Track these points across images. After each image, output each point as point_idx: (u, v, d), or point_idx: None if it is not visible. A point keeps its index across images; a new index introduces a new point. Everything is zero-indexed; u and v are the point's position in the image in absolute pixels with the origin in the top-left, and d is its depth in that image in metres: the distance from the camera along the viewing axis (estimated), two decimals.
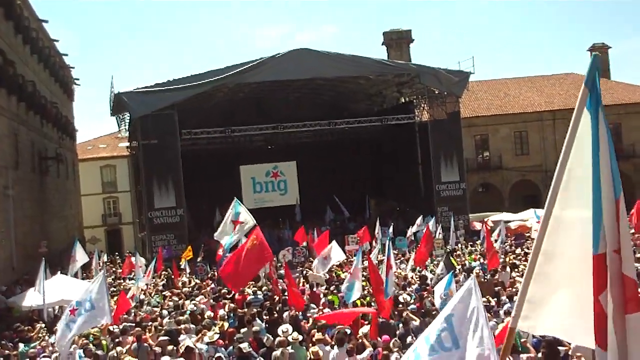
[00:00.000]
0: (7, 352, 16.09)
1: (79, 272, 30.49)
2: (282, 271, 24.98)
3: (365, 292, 19.95)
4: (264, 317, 17.85)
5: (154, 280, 28.70)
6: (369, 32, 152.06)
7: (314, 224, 39.31)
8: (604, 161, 4.94)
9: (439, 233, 33.18)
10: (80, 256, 30.02)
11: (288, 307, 18.66)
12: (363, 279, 21.59)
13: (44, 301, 20.80)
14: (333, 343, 13.94)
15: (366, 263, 21.19)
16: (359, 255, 20.46)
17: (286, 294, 19.92)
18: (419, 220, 36.27)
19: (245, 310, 18.58)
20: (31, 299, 22.37)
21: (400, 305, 17.77)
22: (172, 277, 28.67)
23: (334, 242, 25.59)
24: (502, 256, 27.46)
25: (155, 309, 21.12)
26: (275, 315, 17.85)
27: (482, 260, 26.86)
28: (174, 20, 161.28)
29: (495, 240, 31.99)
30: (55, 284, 23.20)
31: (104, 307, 15.32)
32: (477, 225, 39.89)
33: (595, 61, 5.18)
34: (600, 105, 5.11)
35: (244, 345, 14.17)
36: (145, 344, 15.26)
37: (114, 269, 36.85)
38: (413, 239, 35.38)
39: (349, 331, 14.49)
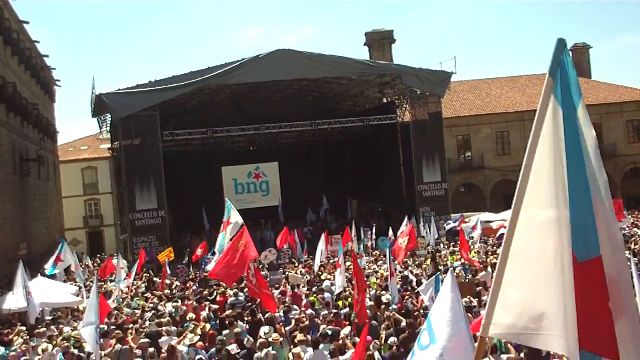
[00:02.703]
0: None
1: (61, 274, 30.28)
2: (264, 272, 25.12)
3: (347, 292, 20.03)
4: (246, 318, 17.83)
5: (135, 282, 28.61)
6: (348, 33, 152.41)
7: (296, 225, 39.30)
8: (594, 159, 4.60)
9: (426, 232, 33.45)
10: (67, 257, 29.90)
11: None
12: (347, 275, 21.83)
13: (28, 303, 20.51)
14: (310, 344, 13.93)
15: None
16: (340, 251, 20.85)
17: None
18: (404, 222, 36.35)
19: (228, 311, 18.56)
20: (11, 301, 22.16)
21: (383, 306, 17.85)
22: (153, 279, 28.58)
23: (321, 241, 26.23)
24: (484, 256, 27.64)
25: (136, 311, 21.06)
26: (258, 316, 17.83)
27: (463, 260, 27.02)
28: (154, 22, 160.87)
29: (471, 240, 32.30)
30: (35, 286, 22.99)
31: (96, 310, 15.41)
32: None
33: (560, 46, 4.71)
34: (574, 95, 4.67)
35: (232, 347, 14.18)
36: (127, 346, 15.21)
37: (95, 271, 36.68)
38: (394, 239, 35.47)
39: (330, 332, 14.50)
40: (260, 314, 17.98)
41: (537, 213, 4.87)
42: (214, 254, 29.28)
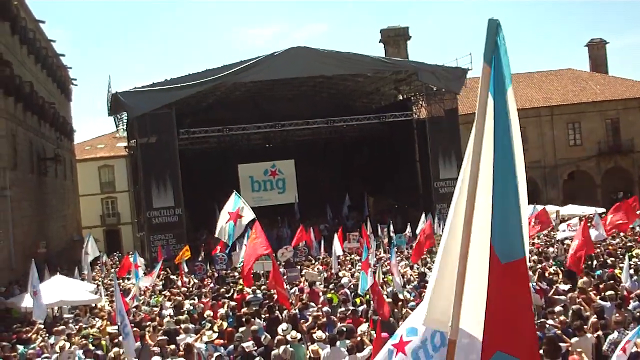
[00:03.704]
0: (5, 353, 16.02)
1: (77, 271, 30.44)
2: (281, 269, 25.10)
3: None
4: (264, 315, 17.81)
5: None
6: (362, 30, 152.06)
7: (312, 223, 39.25)
8: (518, 155, 4.35)
9: (442, 229, 33.19)
10: (91, 250, 30.16)
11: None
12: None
13: (34, 303, 20.48)
14: (327, 341, 13.84)
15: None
16: (365, 250, 20.67)
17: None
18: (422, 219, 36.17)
19: (245, 309, 18.54)
20: (28, 300, 22.26)
21: (400, 303, 17.77)
22: (171, 277, 28.64)
23: (334, 239, 26.15)
24: None
25: (154, 308, 21.11)
26: (276, 313, 17.80)
27: None
28: (169, 20, 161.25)
29: None
30: (54, 284, 23.10)
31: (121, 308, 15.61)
32: None
33: (492, 28, 4.12)
34: (506, 79, 4.28)
35: (248, 344, 14.14)
36: (147, 344, 15.22)
37: (112, 270, 36.82)
38: (411, 235, 35.35)
39: (345, 329, 14.44)
40: (277, 312, 17.96)
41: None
42: (230, 250, 29.52)
